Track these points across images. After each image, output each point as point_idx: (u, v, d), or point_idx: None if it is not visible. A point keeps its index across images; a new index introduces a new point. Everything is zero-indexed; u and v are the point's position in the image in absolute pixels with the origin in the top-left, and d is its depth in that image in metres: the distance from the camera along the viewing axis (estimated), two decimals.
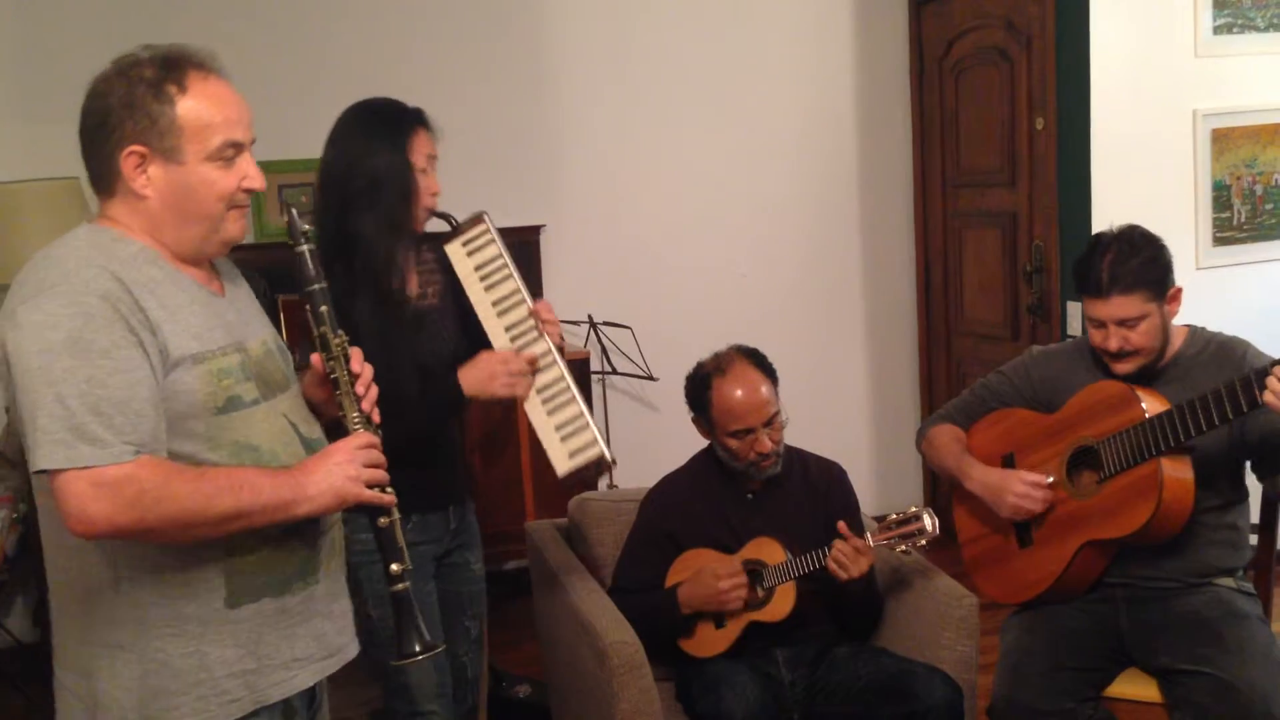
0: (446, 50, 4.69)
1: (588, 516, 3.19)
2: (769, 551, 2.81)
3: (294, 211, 1.85)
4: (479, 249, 2.58)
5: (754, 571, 2.81)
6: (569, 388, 2.50)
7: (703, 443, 3.04)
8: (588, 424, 2.48)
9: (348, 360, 1.88)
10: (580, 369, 4.53)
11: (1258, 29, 4.26)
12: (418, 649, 1.87)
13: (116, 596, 1.72)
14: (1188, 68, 4.21)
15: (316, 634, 1.88)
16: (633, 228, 4.95)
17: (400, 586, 1.87)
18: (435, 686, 2.54)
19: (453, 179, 5.00)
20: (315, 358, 1.90)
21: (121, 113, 1.70)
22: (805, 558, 2.73)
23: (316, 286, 1.88)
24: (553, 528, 3.26)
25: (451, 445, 2.56)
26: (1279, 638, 2.61)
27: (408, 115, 2.54)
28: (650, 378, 4.68)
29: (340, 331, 1.88)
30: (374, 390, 1.91)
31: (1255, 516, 2.71)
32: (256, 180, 1.79)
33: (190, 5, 4.40)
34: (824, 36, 5.12)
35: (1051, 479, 2.69)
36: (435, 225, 2.66)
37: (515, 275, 2.56)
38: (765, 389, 2.86)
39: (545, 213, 4.82)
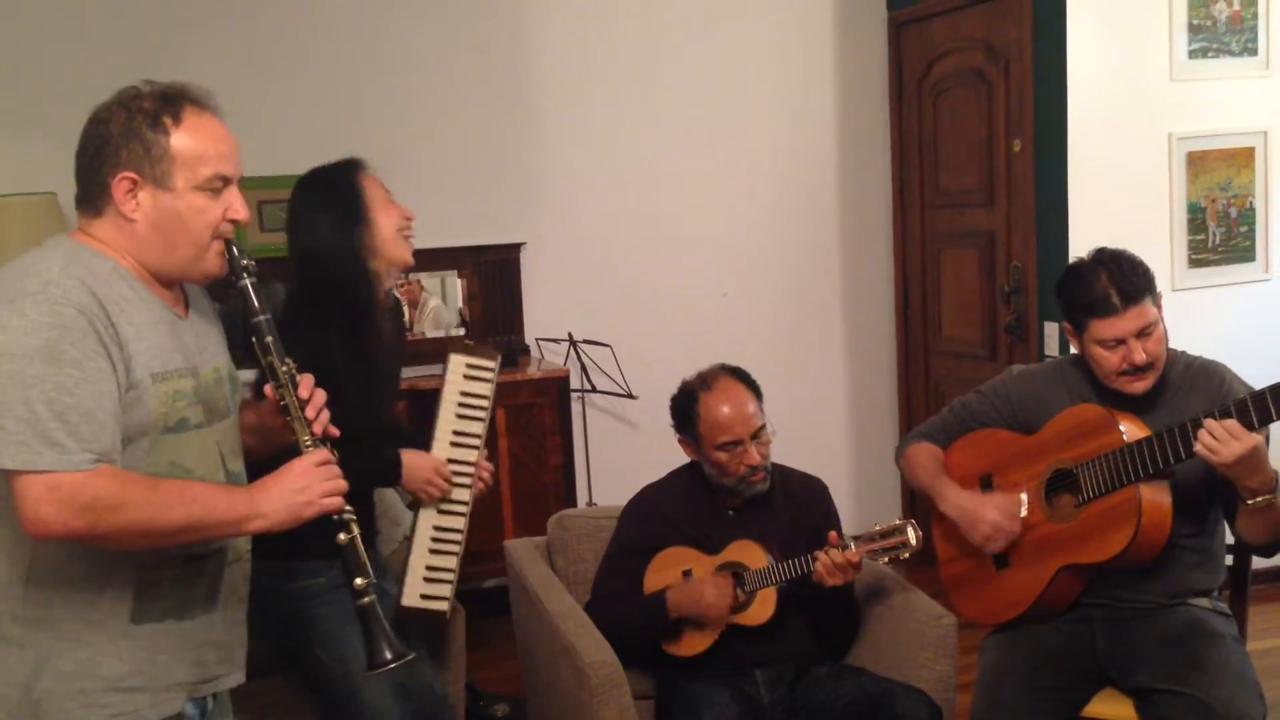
0: (426, 67, 4.69)
1: (567, 534, 3.18)
2: (750, 555, 2.83)
3: (233, 248, 1.88)
4: (477, 379, 2.70)
5: (735, 575, 2.83)
6: (460, 541, 2.68)
7: (683, 459, 3.04)
8: (452, 581, 2.67)
9: (296, 387, 1.91)
10: (560, 387, 4.53)
11: (1232, 53, 4.31)
12: (389, 656, 1.90)
13: (24, 593, 1.76)
14: (1163, 91, 4.26)
15: (198, 660, 1.91)
16: (613, 246, 4.96)
17: (365, 600, 1.90)
18: (396, 712, 2.54)
19: (434, 197, 5.03)
20: (268, 389, 1.94)
21: (119, 140, 1.78)
22: (788, 564, 2.74)
23: (261, 318, 1.91)
24: (532, 545, 3.25)
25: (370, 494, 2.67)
26: (1253, 658, 2.63)
27: (346, 172, 2.59)
28: (630, 396, 4.68)
29: (288, 360, 1.92)
30: (325, 414, 1.94)
31: (1230, 538, 2.73)
32: (241, 211, 1.86)
33: (173, 25, 4.39)
34: (804, 56, 5.15)
35: (1025, 503, 2.69)
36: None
37: (485, 422, 2.71)
38: (751, 404, 2.89)
39: (525, 230, 4.82)
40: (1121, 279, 2.58)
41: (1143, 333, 2.57)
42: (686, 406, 2.94)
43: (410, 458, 2.60)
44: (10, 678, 1.77)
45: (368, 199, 2.56)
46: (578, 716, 2.62)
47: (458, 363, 2.69)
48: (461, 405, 2.69)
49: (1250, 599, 2.82)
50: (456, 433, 2.68)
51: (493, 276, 4.75)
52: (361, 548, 1.91)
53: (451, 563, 2.66)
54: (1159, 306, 2.63)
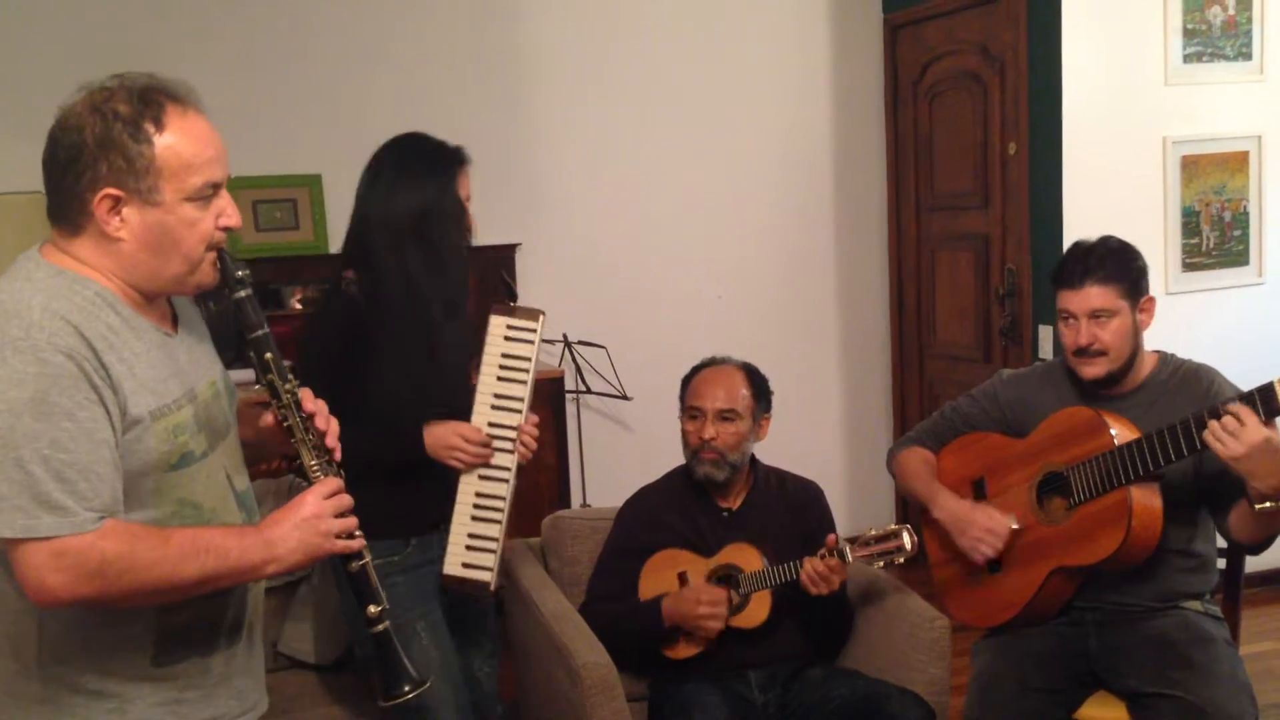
0: (422, 67, 4.70)
1: (561, 535, 3.18)
2: (746, 558, 2.84)
3: (226, 258, 1.74)
4: (519, 340, 2.61)
5: (729, 576, 2.83)
6: (503, 509, 2.58)
7: (678, 460, 3.05)
8: (495, 550, 2.56)
9: (299, 405, 1.80)
10: (555, 388, 4.53)
11: (1226, 58, 4.33)
12: (407, 689, 1.84)
13: (40, 650, 1.66)
14: (1158, 95, 4.28)
15: (235, 692, 1.83)
16: (609, 247, 4.96)
17: (380, 628, 1.82)
18: (454, 705, 2.55)
19: None
20: (270, 411, 1.84)
21: (95, 152, 1.61)
22: (781, 567, 2.75)
23: (260, 333, 1.79)
24: (526, 546, 3.25)
25: (444, 466, 2.58)
26: (1245, 661, 2.64)
27: (454, 154, 2.67)
28: (624, 397, 4.68)
29: (290, 376, 1.80)
30: (334, 424, 1.84)
31: (1222, 541, 2.73)
32: (234, 217, 1.72)
33: (161, 22, 4.39)
34: (800, 59, 5.16)
35: (1015, 525, 2.69)
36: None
37: (529, 383, 2.60)
38: (740, 389, 2.93)
39: (521, 231, 4.82)
40: (1092, 258, 2.61)
41: (1097, 315, 2.59)
42: (687, 378, 3.02)
43: (431, 428, 2.53)
44: None
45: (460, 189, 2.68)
46: (571, 718, 2.62)
47: (498, 324, 2.60)
48: (503, 368, 2.59)
49: (1243, 602, 2.83)
50: (498, 396, 2.58)
51: (488, 277, 4.75)
52: (374, 574, 1.82)
53: (495, 531, 2.56)
54: (1136, 302, 2.62)
